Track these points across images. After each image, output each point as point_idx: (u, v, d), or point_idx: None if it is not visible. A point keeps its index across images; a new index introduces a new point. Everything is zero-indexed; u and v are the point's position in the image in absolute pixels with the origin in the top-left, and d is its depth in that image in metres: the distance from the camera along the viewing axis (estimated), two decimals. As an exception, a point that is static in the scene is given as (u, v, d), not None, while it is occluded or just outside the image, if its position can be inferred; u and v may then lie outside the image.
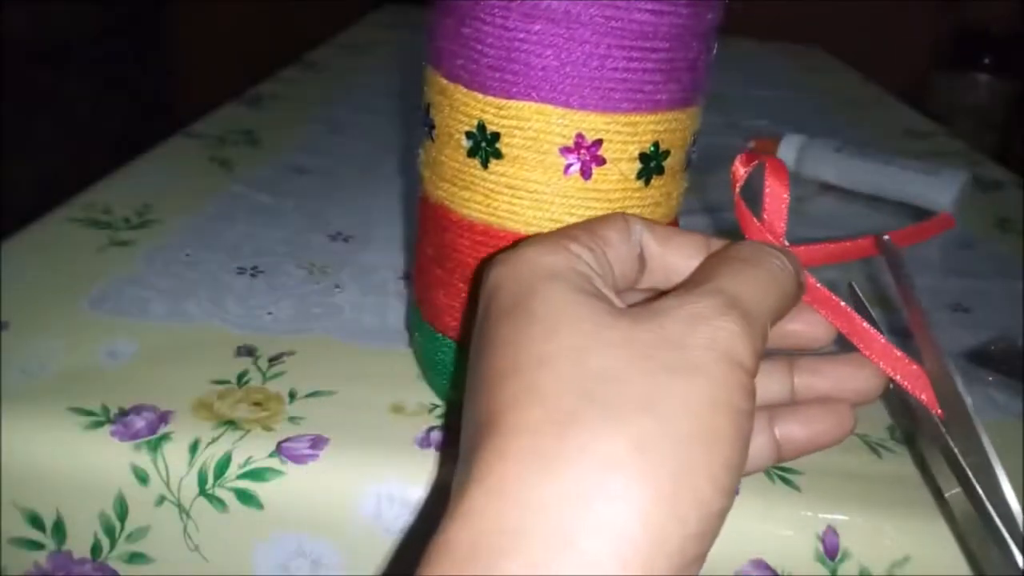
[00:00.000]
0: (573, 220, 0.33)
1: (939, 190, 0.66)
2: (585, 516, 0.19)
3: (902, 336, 0.37)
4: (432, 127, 0.35)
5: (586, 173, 0.32)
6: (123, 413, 0.35)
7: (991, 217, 0.67)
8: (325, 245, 0.52)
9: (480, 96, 0.32)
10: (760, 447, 0.28)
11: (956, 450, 0.26)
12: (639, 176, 0.33)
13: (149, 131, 0.75)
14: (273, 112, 0.77)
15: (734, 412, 0.21)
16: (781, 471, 0.35)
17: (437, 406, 0.37)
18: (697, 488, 0.20)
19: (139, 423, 0.34)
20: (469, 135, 0.33)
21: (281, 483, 0.33)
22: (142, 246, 0.49)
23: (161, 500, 0.34)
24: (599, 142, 0.31)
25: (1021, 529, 0.24)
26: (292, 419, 0.36)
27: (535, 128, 0.31)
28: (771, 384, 0.29)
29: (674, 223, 0.37)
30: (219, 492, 0.33)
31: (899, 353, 0.27)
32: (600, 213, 0.33)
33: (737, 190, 0.30)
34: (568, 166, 0.32)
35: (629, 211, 0.33)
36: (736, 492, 0.21)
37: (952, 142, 0.87)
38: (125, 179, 0.59)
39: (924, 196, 0.66)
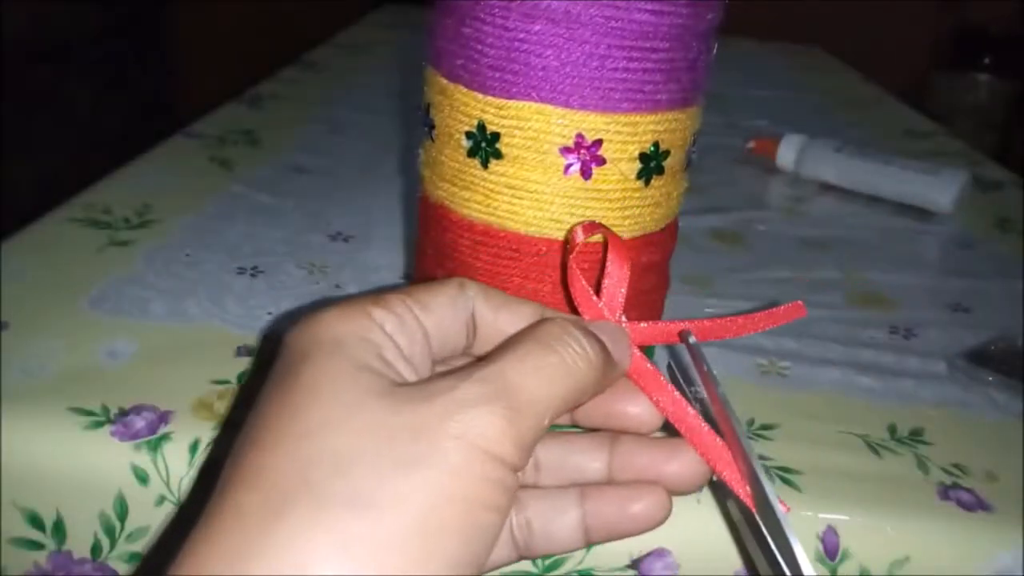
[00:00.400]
0: (573, 220, 0.33)
1: (939, 190, 0.66)
2: None
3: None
4: (432, 127, 0.35)
5: (586, 173, 0.32)
6: (123, 413, 0.35)
7: (991, 217, 0.67)
8: (325, 245, 0.52)
9: (480, 96, 0.32)
10: (567, 525, 0.27)
11: (771, 543, 0.25)
12: (639, 176, 0.33)
13: (149, 131, 0.75)
14: (273, 112, 0.77)
15: (470, 506, 0.20)
16: (781, 471, 0.35)
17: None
18: None
19: (139, 423, 0.34)
20: (469, 135, 0.33)
21: (281, 483, 0.33)
22: (142, 246, 0.49)
23: (161, 500, 0.34)
24: (599, 142, 0.31)
25: None
26: (292, 419, 0.35)
27: (535, 128, 0.31)
28: (589, 461, 0.28)
29: (674, 223, 0.37)
30: (219, 492, 0.33)
31: (721, 443, 0.27)
32: (600, 213, 0.33)
33: (572, 258, 0.29)
34: (568, 166, 0.32)
35: (629, 211, 0.33)
36: None
37: (952, 142, 0.87)
38: (125, 179, 0.59)
39: (924, 196, 0.66)
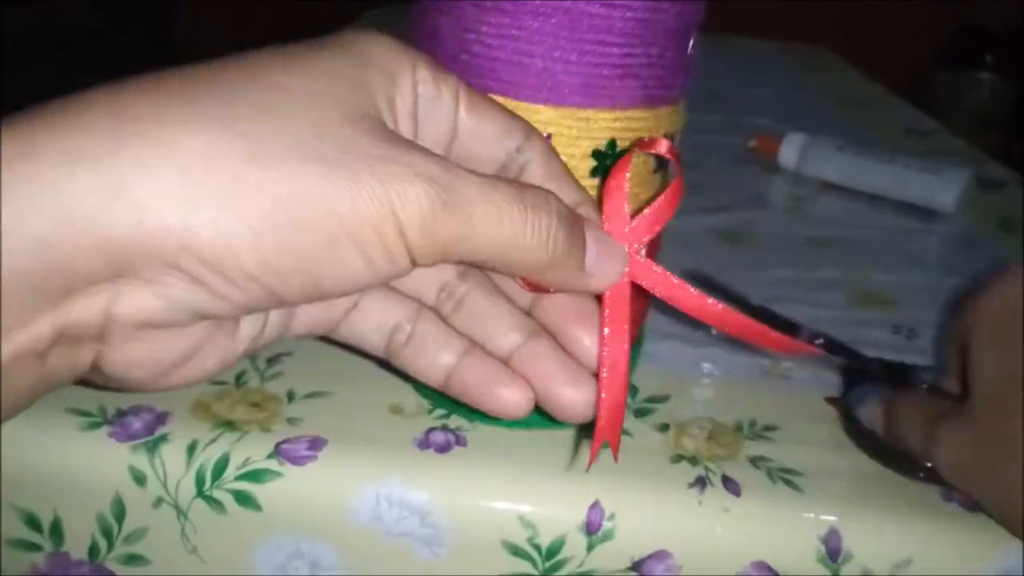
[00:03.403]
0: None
1: (941, 189, 0.65)
2: None
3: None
4: None
5: (536, 167, 0.32)
6: (121, 414, 0.35)
7: (994, 217, 0.67)
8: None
9: None
10: (436, 364, 0.27)
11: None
12: (593, 173, 0.32)
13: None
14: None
15: (345, 237, 0.21)
16: (783, 472, 0.35)
17: (436, 407, 0.37)
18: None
19: (136, 424, 0.34)
20: None
21: (279, 484, 0.33)
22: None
23: (159, 502, 0.34)
24: (548, 136, 0.31)
25: None
26: (290, 420, 0.35)
27: None
28: (502, 332, 0.27)
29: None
30: (217, 494, 0.33)
31: (759, 325, 0.26)
32: None
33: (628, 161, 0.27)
34: (517, 159, 0.32)
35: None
36: None
37: (954, 141, 0.87)
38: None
39: (926, 195, 0.66)
